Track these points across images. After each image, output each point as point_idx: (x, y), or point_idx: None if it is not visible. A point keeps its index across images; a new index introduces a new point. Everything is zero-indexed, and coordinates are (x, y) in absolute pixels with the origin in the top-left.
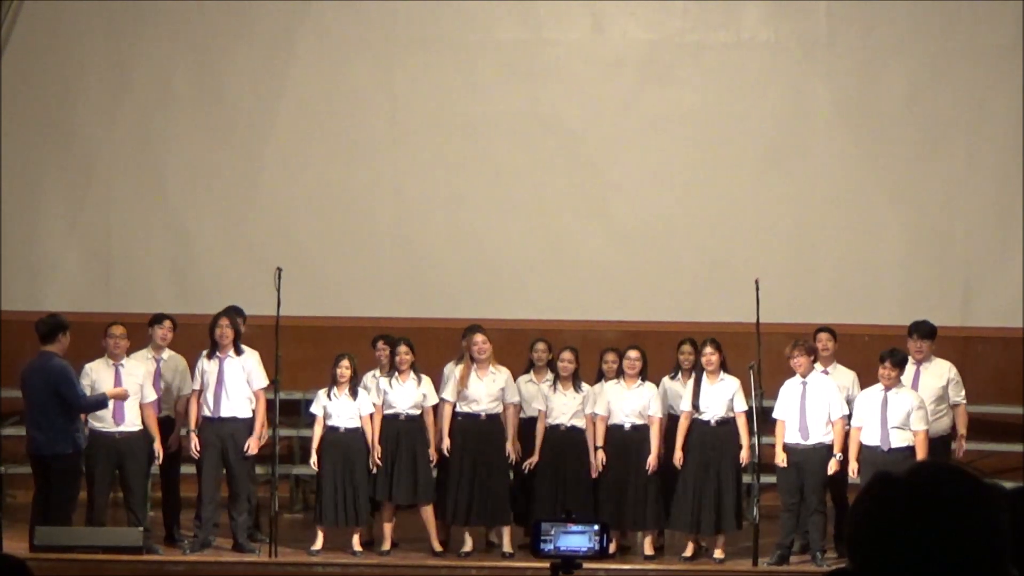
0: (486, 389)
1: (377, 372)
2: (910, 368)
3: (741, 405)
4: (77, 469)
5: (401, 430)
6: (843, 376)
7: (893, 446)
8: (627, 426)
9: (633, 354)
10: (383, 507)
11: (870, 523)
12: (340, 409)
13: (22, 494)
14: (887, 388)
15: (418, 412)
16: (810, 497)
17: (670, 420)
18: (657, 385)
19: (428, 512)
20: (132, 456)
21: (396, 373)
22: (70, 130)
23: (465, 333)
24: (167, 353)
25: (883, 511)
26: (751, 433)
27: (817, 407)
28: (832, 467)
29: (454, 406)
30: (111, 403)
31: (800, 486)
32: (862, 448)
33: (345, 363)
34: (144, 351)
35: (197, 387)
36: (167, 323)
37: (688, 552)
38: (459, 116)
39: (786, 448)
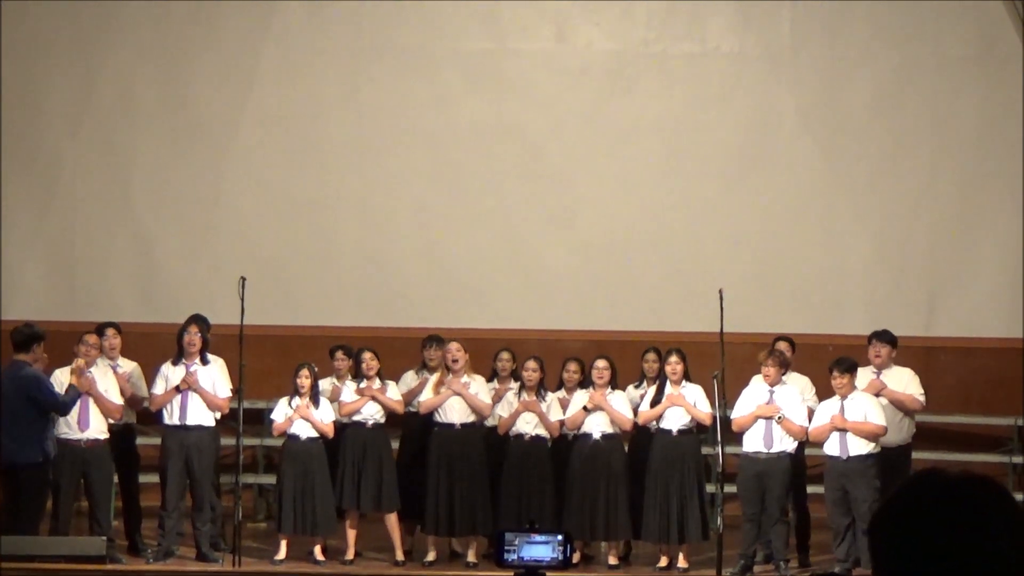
0: (459, 398)
1: (335, 379)
2: (871, 375)
3: (706, 407)
4: (46, 478)
5: (367, 438)
6: (799, 383)
7: (851, 454)
8: (597, 435)
9: (601, 363)
10: (347, 515)
11: (906, 517)
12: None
13: None
14: (843, 397)
15: (384, 420)
16: (772, 506)
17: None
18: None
19: (392, 520)
20: (97, 466)
21: (363, 380)
22: (34, 138)
23: (425, 343)
24: (122, 360)
25: (922, 509)
26: (715, 443)
27: None
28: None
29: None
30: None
31: (762, 496)
32: (828, 459)
33: (305, 372)
34: (101, 360)
35: (157, 392)
36: (110, 331)
37: (663, 563)
38: (423, 126)
39: (748, 457)
